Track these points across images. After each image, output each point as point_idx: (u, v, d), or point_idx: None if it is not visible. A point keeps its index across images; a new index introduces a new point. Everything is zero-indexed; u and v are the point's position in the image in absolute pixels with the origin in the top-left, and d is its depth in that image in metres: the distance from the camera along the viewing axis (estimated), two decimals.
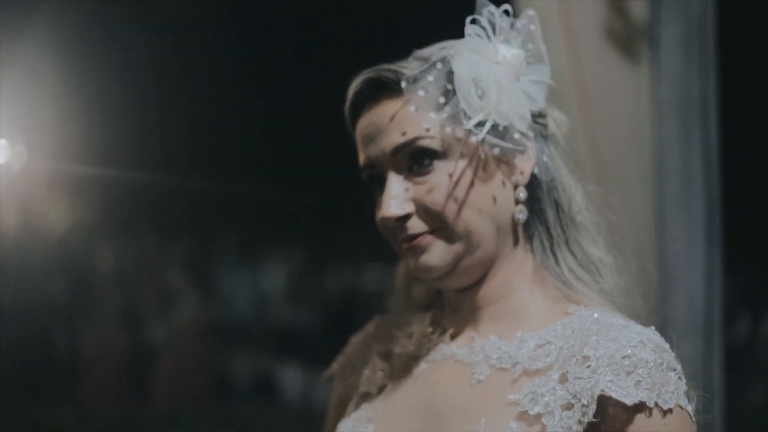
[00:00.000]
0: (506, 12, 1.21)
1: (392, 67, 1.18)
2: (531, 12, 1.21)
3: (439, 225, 1.16)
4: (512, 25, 1.21)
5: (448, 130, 1.14)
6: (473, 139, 1.13)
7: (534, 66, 1.21)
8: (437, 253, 1.16)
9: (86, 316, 6.24)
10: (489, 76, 1.14)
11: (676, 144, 2.33)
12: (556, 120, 1.26)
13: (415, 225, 1.16)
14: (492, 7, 1.20)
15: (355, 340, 1.39)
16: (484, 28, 1.19)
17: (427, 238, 1.16)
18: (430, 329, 1.27)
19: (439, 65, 1.15)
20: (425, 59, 1.17)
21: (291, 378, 6.19)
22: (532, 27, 1.21)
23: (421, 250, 1.16)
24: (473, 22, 1.20)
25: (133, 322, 6.66)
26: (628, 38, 2.30)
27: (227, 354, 6.77)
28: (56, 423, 5.11)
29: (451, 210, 1.14)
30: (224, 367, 6.75)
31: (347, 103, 1.21)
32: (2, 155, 7.20)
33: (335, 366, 1.39)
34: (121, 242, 7.28)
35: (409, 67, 1.17)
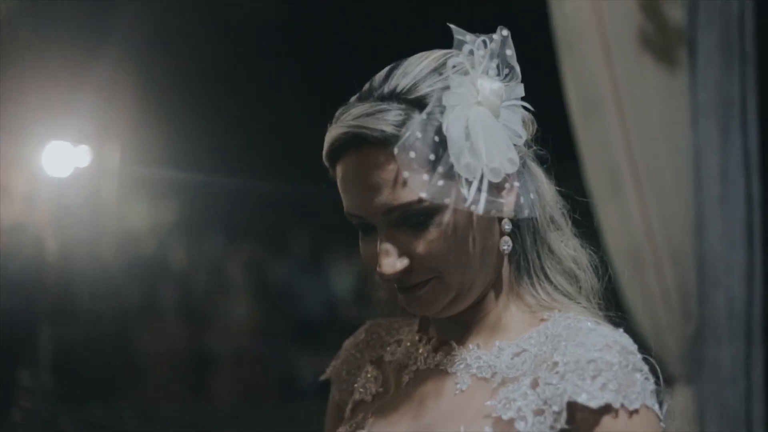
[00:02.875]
0: (484, 42, 1.20)
1: (376, 124, 1.14)
2: (504, 32, 1.19)
3: (435, 274, 1.17)
4: (489, 51, 1.19)
5: (446, 200, 1.12)
6: (473, 208, 1.11)
7: (509, 87, 1.18)
8: (432, 298, 1.19)
9: (160, 317, 6.41)
10: (475, 125, 1.13)
11: (714, 147, 2.35)
12: (524, 120, 1.24)
13: (412, 278, 1.18)
14: (469, 45, 1.16)
15: (348, 345, 1.42)
16: (462, 62, 1.15)
17: (422, 288, 1.18)
18: (417, 337, 1.31)
19: (424, 116, 1.13)
20: (407, 102, 1.15)
21: None
22: (509, 52, 1.20)
23: (417, 296, 1.19)
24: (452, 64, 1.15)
25: (205, 323, 6.82)
26: (664, 43, 2.32)
27: (296, 354, 6.88)
28: (123, 422, 5.26)
29: (448, 262, 1.16)
30: (293, 367, 6.86)
31: (326, 149, 1.20)
32: (85, 160, 7.45)
33: (330, 371, 1.43)
34: (195, 244, 7.45)
35: (391, 119, 1.14)
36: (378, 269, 1.17)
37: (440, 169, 1.11)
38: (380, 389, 1.31)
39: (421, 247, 1.16)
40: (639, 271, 2.34)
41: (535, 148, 1.24)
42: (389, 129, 1.13)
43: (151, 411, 5.57)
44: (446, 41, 1.28)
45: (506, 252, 1.19)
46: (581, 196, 1.33)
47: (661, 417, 1.14)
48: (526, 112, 1.21)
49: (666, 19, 2.32)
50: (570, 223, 1.27)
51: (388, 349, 1.34)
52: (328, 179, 1.23)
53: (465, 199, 1.11)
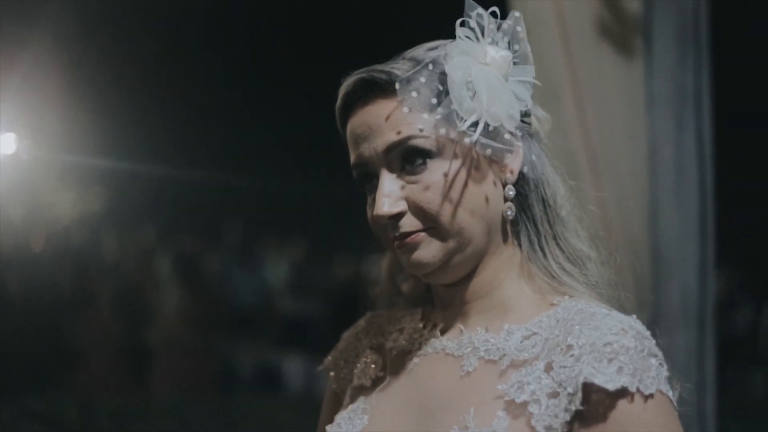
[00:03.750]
0: (493, 14, 1.22)
1: (384, 68, 1.19)
2: (517, 13, 1.22)
3: (432, 224, 1.18)
4: (499, 27, 1.22)
5: (441, 130, 1.16)
6: (467, 140, 1.15)
7: (520, 66, 1.22)
8: (429, 250, 1.19)
9: (89, 307, 6.28)
10: (479, 78, 1.16)
11: (669, 136, 2.36)
12: (539, 117, 1.29)
13: (408, 223, 1.19)
14: (480, 9, 1.21)
15: (347, 335, 1.43)
16: (472, 29, 1.20)
17: (420, 236, 1.19)
18: (420, 324, 1.30)
19: (430, 66, 1.17)
20: (416, 60, 1.19)
21: (295, 368, 6.24)
22: (519, 29, 1.22)
23: (413, 248, 1.19)
24: (462, 24, 1.21)
25: (136, 313, 6.70)
26: (621, 33, 2.32)
27: (231, 344, 6.80)
28: (59, 412, 5.16)
29: (445, 210, 1.17)
30: (229, 357, 6.79)
31: (338, 103, 1.24)
32: (11, 147, 7.24)
33: (328, 360, 1.42)
34: (126, 234, 7.32)
35: (400, 68, 1.19)
36: (374, 213, 1.19)
37: (440, 110, 1.16)
38: (380, 374, 1.30)
39: (418, 191, 1.18)
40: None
41: (547, 143, 1.26)
42: (397, 72, 1.18)
43: (89, 402, 5.46)
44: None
45: (510, 217, 1.21)
46: None
47: (675, 403, 1.14)
48: (545, 114, 1.25)
49: (623, 8, 2.32)
50: (582, 215, 1.28)
51: (390, 337, 1.33)
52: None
53: (458, 128, 1.16)
